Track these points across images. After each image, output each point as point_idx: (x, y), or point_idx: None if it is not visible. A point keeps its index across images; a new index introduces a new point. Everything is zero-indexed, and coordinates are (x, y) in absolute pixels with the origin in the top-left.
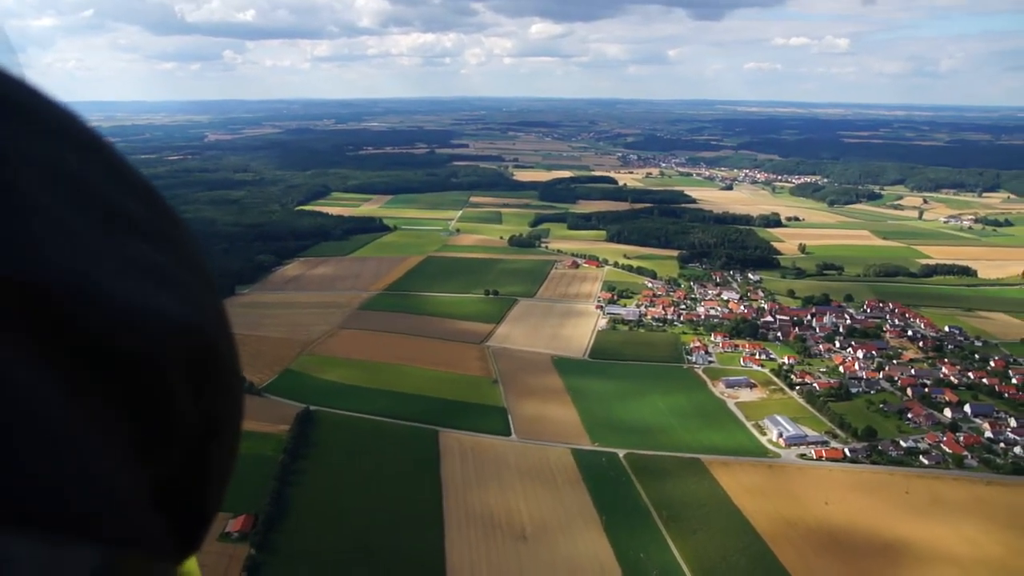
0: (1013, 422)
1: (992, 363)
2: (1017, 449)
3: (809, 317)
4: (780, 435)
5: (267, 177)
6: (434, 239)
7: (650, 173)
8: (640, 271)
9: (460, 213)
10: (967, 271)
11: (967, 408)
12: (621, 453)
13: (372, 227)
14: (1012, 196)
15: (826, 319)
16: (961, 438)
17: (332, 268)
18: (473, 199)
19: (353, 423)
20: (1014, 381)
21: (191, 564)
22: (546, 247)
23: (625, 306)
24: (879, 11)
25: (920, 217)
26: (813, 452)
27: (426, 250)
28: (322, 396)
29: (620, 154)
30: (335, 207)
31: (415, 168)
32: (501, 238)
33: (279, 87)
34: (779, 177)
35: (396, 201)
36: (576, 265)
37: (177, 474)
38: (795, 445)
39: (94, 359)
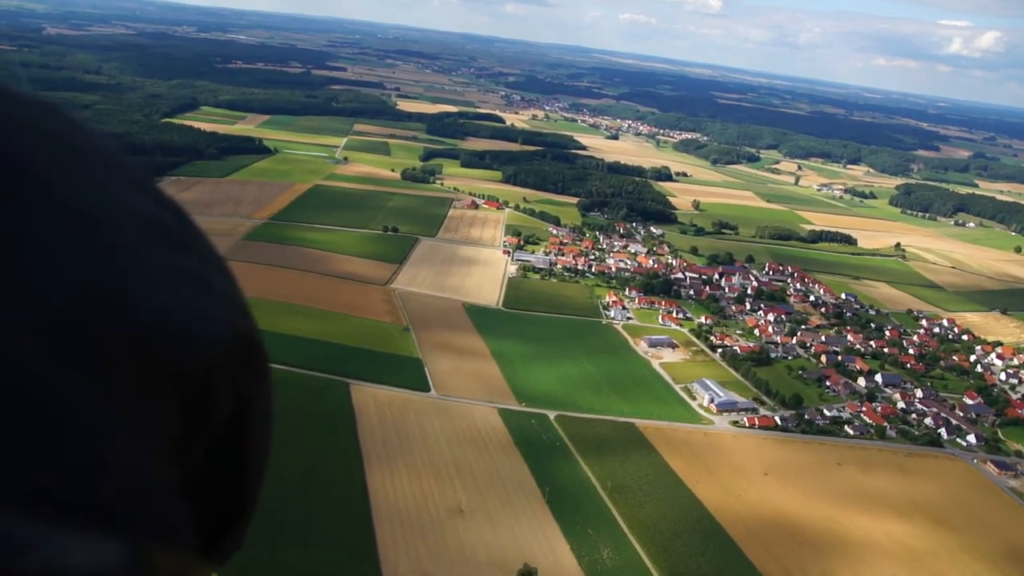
0: (919, 393)
1: (888, 332)
2: (928, 420)
3: (718, 276)
4: (711, 400)
5: (124, 83)
6: (320, 166)
7: (535, 115)
8: (543, 216)
9: (345, 141)
10: (849, 239)
11: (878, 378)
12: (551, 415)
13: (250, 148)
14: (871, 170)
15: (735, 280)
16: (879, 408)
17: (208, 191)
18: (357, 127)
19: None
20: (911, 352)
21: None
22: (441, 184)
23: (534, 253)
24: None
25: (796, 183)
26: (745, 419)
27: (312, 178)
28: None
29: (503, 93)
30: (206, 123)
31: (291, 88)
32: (392, 170)
33: None
34: (661, 131)
35: (273, 122)
36: (475, 205)
37: (216, 463)
38: (726, 411)
39: (149, 370)
